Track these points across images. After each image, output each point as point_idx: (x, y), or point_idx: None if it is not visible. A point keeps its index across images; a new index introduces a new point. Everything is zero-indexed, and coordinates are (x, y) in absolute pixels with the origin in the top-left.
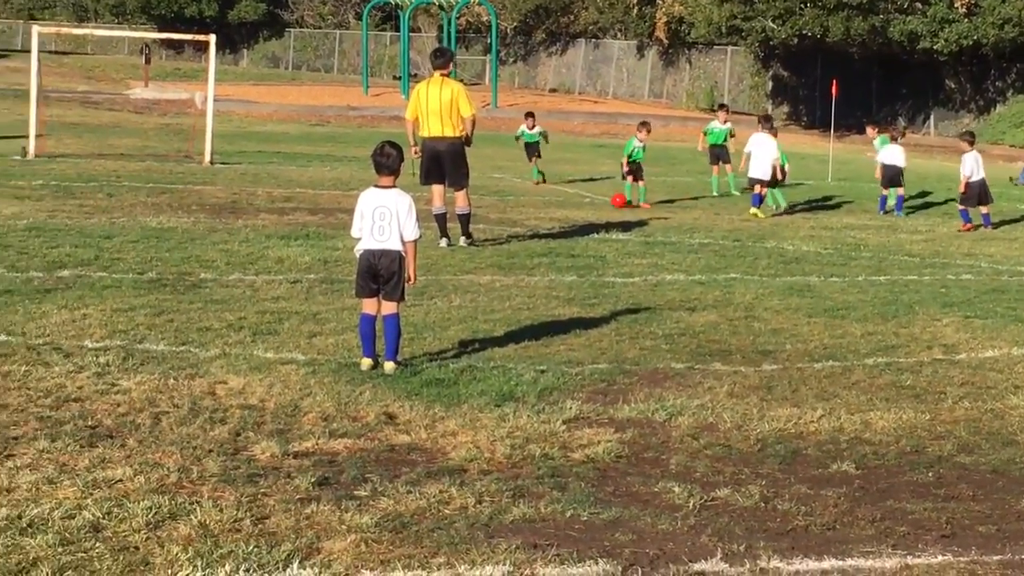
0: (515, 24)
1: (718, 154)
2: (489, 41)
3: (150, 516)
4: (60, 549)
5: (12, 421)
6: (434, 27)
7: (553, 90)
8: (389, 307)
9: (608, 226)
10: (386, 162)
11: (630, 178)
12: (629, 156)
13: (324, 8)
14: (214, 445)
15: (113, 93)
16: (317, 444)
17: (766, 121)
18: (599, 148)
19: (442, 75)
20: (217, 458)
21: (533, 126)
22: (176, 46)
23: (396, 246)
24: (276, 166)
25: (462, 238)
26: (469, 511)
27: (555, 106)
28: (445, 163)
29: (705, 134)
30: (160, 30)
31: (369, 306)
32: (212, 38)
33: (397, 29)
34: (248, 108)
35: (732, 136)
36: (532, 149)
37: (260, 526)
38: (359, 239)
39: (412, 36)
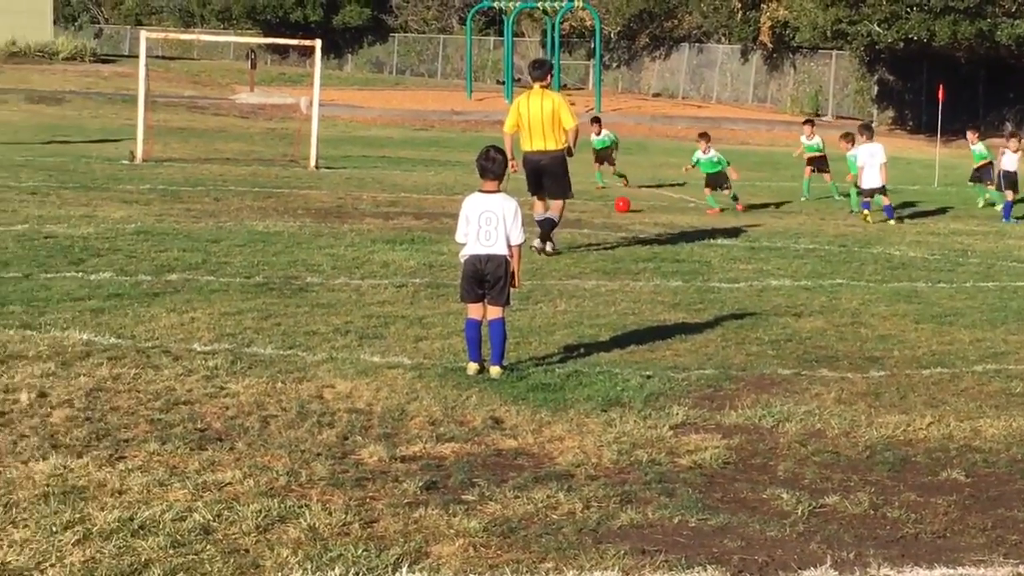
0: (619, 29)
1: (815, 161)
2: (593, 46)
3: (260, 519)
4: (171, 551)
5: (123, 423)
6: (538, 32)
7: (656, 94)
8: (495, 312)
9: (713, 231)
10: (491, 167)
11: (707, 190)
12: (694, 165)
13: (428, 13)
14: (322, 449)
15: (219, 98)
16: (424, 448)
17: (867, 130)
18: None
19: (541, 87)
20: (325, 462)
21: (599, 132)
22: (281, 51)
23: (502, 251)
24: (381, 170)
25: (537, 240)
26: (577, 516)
27: (658, 110)
28: (546, 176)
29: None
30: (265, 35)
31: (474, 311)
32: (318, 43)
33: (501, 34)
34: (352, 113)
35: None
36: (600, 155)
37: (369, 530)
38: (463, 244)
39: (516, 41)
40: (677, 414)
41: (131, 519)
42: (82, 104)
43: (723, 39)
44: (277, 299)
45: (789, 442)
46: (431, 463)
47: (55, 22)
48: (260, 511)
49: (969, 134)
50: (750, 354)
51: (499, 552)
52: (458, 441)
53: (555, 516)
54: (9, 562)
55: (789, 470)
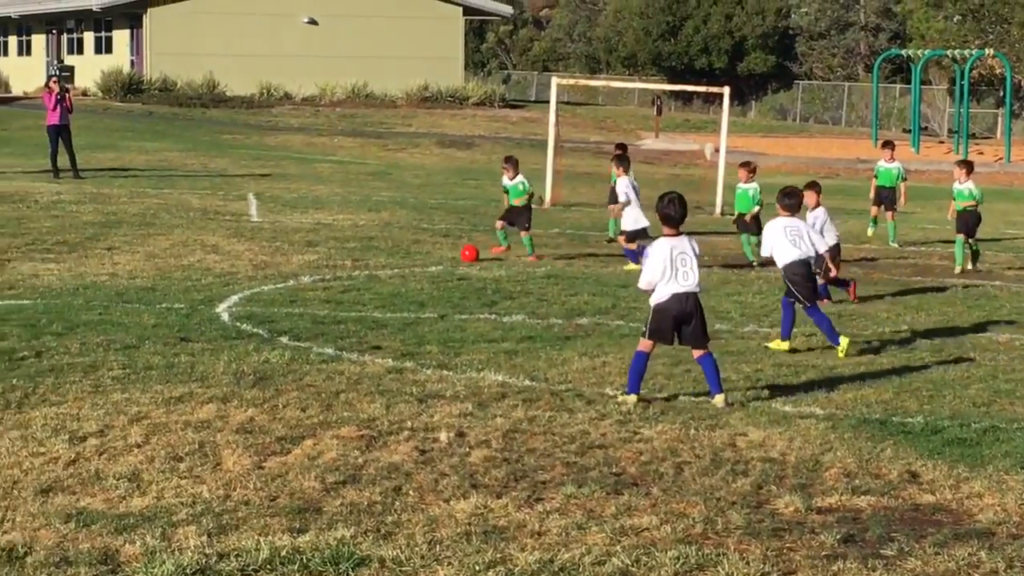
0: None
1: None
2: (1002, 94)
3: (678, 566)
4: None
5: (540, 465)
6: (945, 80)
7: None
8: (700, 351)
9: None
10: (673, 213)
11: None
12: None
13: (833, 60)
14: (737, 497)
15: (626, 143)
16: (840, 500)
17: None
18: None
19: None
20: (741, 510)
21: (514, 177)
22: (685, 97)
23: (697, 288)
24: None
25: None
26: None
27: None
28: None
29: None
30: (670, 81)
31: (647, 346)
32: (726, 90)
33: (907, 82)
34: (756, 159)
35: None
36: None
37: None
38: (646, 291)
39: (923, 89)
40: None
41: (551, 561)
42: (491, 148)
43: None
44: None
45: None
46: (847, 515)
47: (465, 68)
48: (678, 558)
49: None
50: None
51: None
52: (874, 494)
53: (976, 575)
54: None
55: None
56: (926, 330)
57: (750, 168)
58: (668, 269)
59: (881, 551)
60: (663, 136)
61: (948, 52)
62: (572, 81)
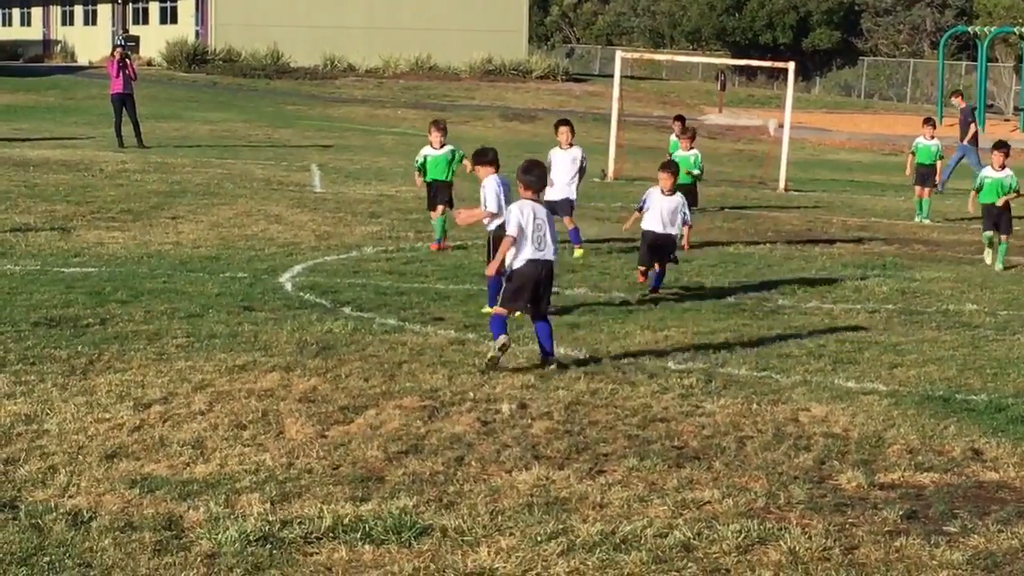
0: None
1: None
2: None
3: (740, 539)
4: (653, 567)
5: (602, 438)
6: (1012, 57)
7: None
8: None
9: None
10: (532, 180)
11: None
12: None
13: (899, 37)
14: (799, 472)
15: (688, 118)
16: (903, 476)
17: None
18: None
19: None
20: (803, 485)
21: (442, 144)
22: (749, 72)
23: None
24: (850, 194)
25: None
26: None
27: None
28: None
29: None
30: (734, 56)
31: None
32: (791, 65)
33: (974, 59)
34: (820, 136)
35: None
36: (435, 188)
37: (849, 556)
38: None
39: (989, 66)
40: None
41: (613, 533)
42: (553, 122)
43: None
44: (749, 320)
45: None
46: (910, 492)
47: (529, 41)
48: (740, 531)
49: None
50: None
51: None
52: (937, 471)
53: None
54: (496, 569)
55: None
56: (990, 308)
57: (690, 135)
58: (522, 229)
59: (944, 528)
60: (727, 111)
61: (1015, 29)
62: (636, 54)
